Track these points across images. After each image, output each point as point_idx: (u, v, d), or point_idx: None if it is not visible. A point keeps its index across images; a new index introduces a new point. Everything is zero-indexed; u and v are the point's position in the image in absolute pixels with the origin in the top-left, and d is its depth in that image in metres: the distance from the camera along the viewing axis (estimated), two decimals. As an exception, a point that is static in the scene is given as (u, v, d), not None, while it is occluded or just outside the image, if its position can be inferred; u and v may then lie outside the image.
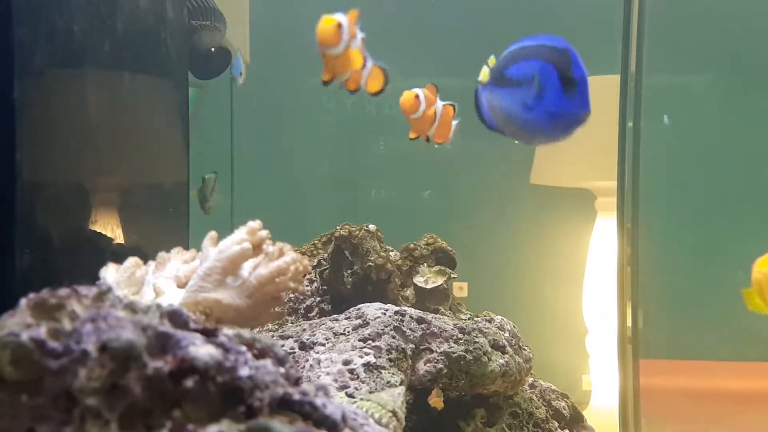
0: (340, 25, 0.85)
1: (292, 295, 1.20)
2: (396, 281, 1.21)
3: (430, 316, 1.03)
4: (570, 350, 1.77)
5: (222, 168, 2.00)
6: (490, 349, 1.01)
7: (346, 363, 0.91)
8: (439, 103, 1.02)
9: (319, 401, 0.46)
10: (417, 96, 1.00)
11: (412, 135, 1.03)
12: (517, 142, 0.98)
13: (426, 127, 1.01)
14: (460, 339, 1.00)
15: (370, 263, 1.19)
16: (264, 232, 0.77)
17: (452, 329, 1.01)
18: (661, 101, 1.83)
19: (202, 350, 0.43)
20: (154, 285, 0.75)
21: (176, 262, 0.79)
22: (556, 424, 1.14)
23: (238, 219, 0.81)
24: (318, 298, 1.24)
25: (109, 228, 1.05)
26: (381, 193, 2.13)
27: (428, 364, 0.97)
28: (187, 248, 0.82)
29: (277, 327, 1.12)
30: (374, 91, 0.94)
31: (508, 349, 1.04)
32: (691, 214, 1.91)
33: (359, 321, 1.00)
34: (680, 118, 1.92)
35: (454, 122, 1.04)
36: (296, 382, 0.48)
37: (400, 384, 0.90)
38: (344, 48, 0.86)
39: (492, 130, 0.93)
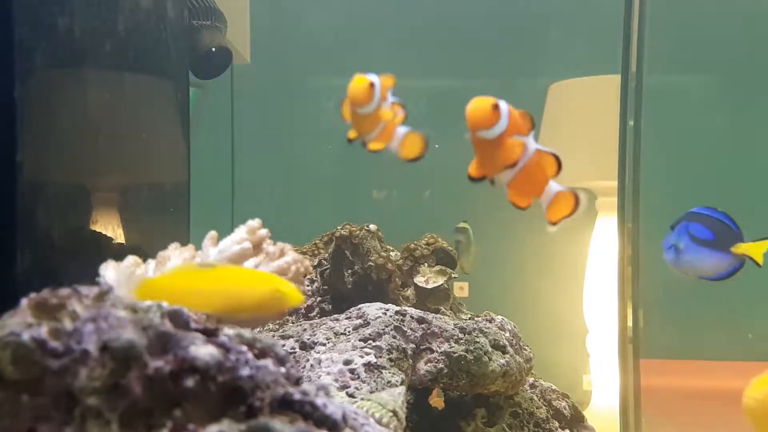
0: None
1: (292, 295, 1.20)
2: (396, 281, 1.21)
3: (430, 316, 1.03)
4: (570, 350, 1.77)
5: (222, 168, 2.00)
6: (490, 349, 1.01)
7: (347, 363, 0.91)
8: (389, 99, 0.82)
9: (319, 401, 0.46)
10: (372, 85, 0.79)
11: (351, 135, 0.83)
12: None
13: (372, 128, 0.82)
14: (461, 339, 1.00)
15: (371, 263, 1.19)
16: (264, 231, 0.77)
17: (453, 329, 1.01)
18: (661, 101, 1.83)
19: (203, 350, 0.43)
20: (154, 285, 0.75)
21: (176, 261, 0.79)
22: (557, 424, 1.14)
23: (238, 219, 0.81)
24: (319, 298, 1.24)
25: (110, 228, 1.05)
26: (381, 193, 2.13)
27: (429, 364, 0.97)
28: (187, 249, 0.82)
29: (277, 327, 1.12)
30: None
31: (509, 349, 1.04)
32: (691, 214, 1.91)
33: (360, 321, 1.00)
34: (681, 117, 1.92)
35: (401, 129, 0.84)
36: (297, 381, 0.48)
37: (401, 384, 0.90)
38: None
39: None
